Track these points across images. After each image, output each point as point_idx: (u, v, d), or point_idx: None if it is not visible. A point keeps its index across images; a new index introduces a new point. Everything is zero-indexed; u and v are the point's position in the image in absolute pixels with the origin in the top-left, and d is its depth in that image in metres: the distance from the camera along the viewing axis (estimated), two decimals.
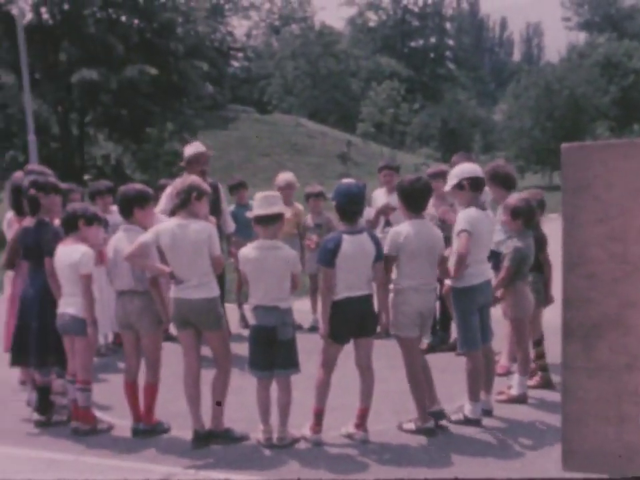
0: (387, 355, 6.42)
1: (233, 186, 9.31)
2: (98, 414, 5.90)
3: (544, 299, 6.49)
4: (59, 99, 21.30)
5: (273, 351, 5.28)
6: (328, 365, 5.44)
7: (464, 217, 5.67)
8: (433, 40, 77.64)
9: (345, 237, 5.29)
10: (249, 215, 5.37)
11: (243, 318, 8.99)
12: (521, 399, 6.09)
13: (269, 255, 5.26)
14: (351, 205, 5.37)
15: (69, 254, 5.53)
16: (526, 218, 6.08)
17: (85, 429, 5.63)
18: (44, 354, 5.80)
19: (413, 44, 77.15)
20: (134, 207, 5.60)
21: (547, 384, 6.46)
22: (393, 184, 8.40)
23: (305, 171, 32.60)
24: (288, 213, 5.49)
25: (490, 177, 6.29)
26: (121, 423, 5.81)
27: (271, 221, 5.29)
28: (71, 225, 5.61)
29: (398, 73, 54.87)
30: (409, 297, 5.44)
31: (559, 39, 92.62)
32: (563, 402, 3.57)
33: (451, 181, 5.87)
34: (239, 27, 67.64)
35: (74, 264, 5.50)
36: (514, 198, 6.28)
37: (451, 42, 79.64)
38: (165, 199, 7.39)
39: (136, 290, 5.50)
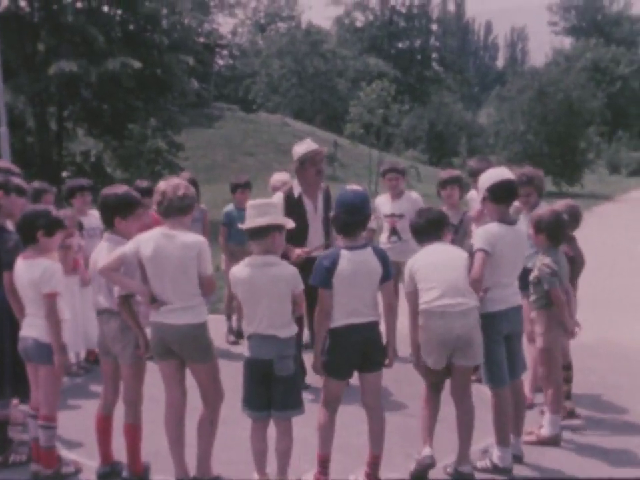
0: (396, 381, 5.64)
1: (237, 185, 8.10)
2: (64, 452, 5.03)
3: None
4: (35, 91, 20.26)
5: (270, 388, 4.43)
6: (330, 404, 4.62)
7: (481, 233, 4.88)
8: (419, 41, 77.07)
9: (344, 252, 4.46)
10: (241, 226, 4.53)
11: (230, 330, 8.19)
12: (553, 441, 5.28)
13: (261, 274, 4.38)
14: (347, 216, 4.51)
15: (29, 269, 4.64)
16: (551, 233, 5.31)
17: (46, 474, 4.74)
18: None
19: (400, 45, 76.51)
20: (115, 216, 4.73)
21: (570, 413, 5.68)
22: (398, 189, 7.64)
23: (291, 172, 31.69)
24: (290, 224, 4.62)
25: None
26: (91, 463, 4.91)
27: (261, 233, 4.41)
28: (28, 235, 4.71)
29: (385, 74, 54.12)
30: (429, 322, 4.69)
31: (543, 44, 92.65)
32: None
33: (480, 194, 5.10)
34: (224, 24, 66.66)
35: (35, 281, 4.61)
36: (542, 208, 5.56)
37: (437, 44, 79.07)
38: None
39: (112, 310, 4.67)
